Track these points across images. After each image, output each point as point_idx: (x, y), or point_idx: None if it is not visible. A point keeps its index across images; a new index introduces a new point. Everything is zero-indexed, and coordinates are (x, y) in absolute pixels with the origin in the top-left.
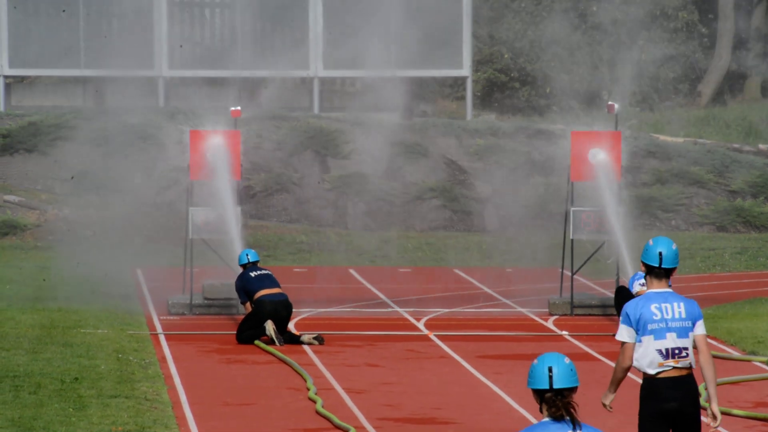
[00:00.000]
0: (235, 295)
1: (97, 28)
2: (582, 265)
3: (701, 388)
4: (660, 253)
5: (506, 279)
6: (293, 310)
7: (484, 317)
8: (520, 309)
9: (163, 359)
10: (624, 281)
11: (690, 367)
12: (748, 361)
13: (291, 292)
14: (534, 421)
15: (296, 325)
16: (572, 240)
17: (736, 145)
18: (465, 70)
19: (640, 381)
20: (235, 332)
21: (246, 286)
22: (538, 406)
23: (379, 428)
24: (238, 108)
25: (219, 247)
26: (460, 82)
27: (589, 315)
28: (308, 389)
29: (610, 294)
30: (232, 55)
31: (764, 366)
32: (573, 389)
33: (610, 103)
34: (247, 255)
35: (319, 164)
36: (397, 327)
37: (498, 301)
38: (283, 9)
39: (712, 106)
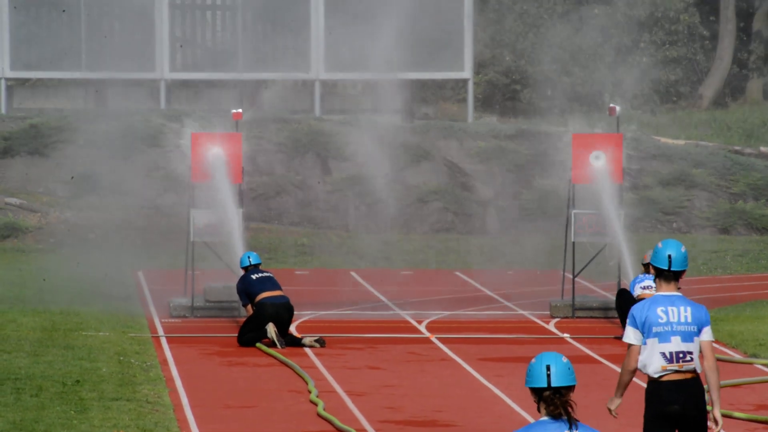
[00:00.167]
0: (236, 297)
1: (98, 31)
2: (583, 268)
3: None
4: (669, 256)
5: (507, 281)
6: (295, 312)
7: (485, 320)
8: (521, 311)
9: (165, 362)
10: (625, 284)
11: (694, 371)
12: (750, 363)
13: (292, 295)
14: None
15: (298, 328)
16: (573, 242)
17: (737, 148)
18: (466, 73)
19: (644, 384)
20: (236, 335)
21: (247, 288)
22: (536, 405)
23: (381, 431)
24: (240, 110)
25: (220, 249)
26: (461, 84)
27: (591, 317)
28: (310, 392)
29: (612, 296)
30: (233, 58)
31: (766, 369)
32: (571, 388)
33: (611, 105)
34: (248, 257)
35: (321, 166)
36: (398, 329)
37: (499, 304)
38: (285, 11)
39: (713, 108)
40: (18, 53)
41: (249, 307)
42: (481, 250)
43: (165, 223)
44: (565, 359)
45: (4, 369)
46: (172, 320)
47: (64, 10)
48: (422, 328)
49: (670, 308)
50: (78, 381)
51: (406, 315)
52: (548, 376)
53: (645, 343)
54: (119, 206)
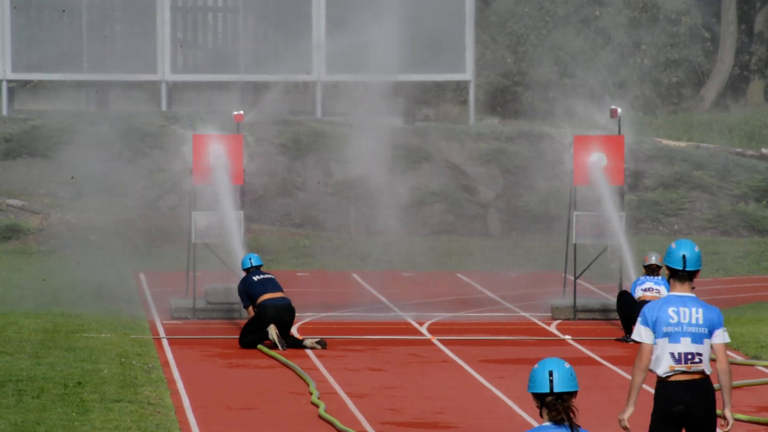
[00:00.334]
0: (237, 299)
1: (100, 33)
2: (585, 270)
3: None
4: (683, 256)
5: (509, 283)
6: (296, 314)
7: (486, 322)
8: (522, 313)
9: (166, 363)
10: (627, 285)
11: (703, 372)
12: (751, 365)
13: (294, 297)
14: (536, 425)
15: (299, 330)
16: (575, 244)
17: (738, 150)
18: (468, 75)
19: (646, 387)
20: (237, 336)
21: (249, 290)
22: (538, 411)
23: None
24: (241, 112)
25: (221, 251)
26: (462, 86)
27: (592, 319)
28: (311, 393)
29: (613, 298)
30: (234, 60)
31: (767, 370)
32: (573, 393)
33: (613, 107)
34: (250, 259)
35: (322, 168)
36: (399, 331)
37: (500, 306)
38: (286, 13)
39: (714, 110)
40: (19, 55)
41: (250, 308)
42: (483, 252)
43: (166, 224)
44: (567, 365)
45: (5, 371)
46: (174, 322)
47: (63, 11)
48: (423, 329)
49: (681, 309)
50: (79, 383)
51: (408, 317)
52: (551, 381)
53: (655, 343)
54: (121, 208)
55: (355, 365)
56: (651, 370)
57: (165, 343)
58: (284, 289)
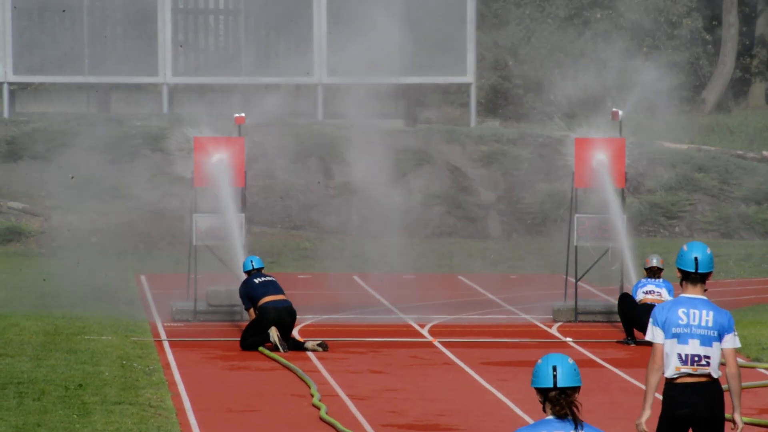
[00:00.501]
0: (239, 301)
1: (101, 35)
2: (586, 272)
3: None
4: (696, 258)
5: (510, 285)
6: (297, 316)
7: (488, 324)
8: (524, 315)
9: (167, 366)
10: (628, 288)
11: (709, 375)
12: (753, 367)
13: (295, 299)
14: None
15: (300, 332)
16: (576, 247)
17: (740, 152)
18: (469, 77)
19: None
20: (239, 339)
21: (250, 292)
22: (541, 406)
23: None
24: (242, 115)
25: (223, 253)
26: (464, 88)
27: (594, 322)
28: (312, 396)
29: (615, 301)
30: (236, 62)
31: None
32: (576, 389)
33: (614, 109)
34: (251, 261)
35: (323, 171)
36: (401, 333)
37: (502, 308)
38: (287, 16)
39: (716, 113)
40: (21, 58)
41: (251, 311)
42: (484, 254)
43: (167, 227)
44: (570, 360)
45: (6, 373)
46: (175, 324)
47: (63, 11)
48: (425, 332)
49: (691, 310)
50: (81, 385)
51: (409, 319)
52: (554, 376)
53: (665, 344)
54: (122, 210)
55: (357, 367)
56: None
57: (166, 345)
58: (285, 292)
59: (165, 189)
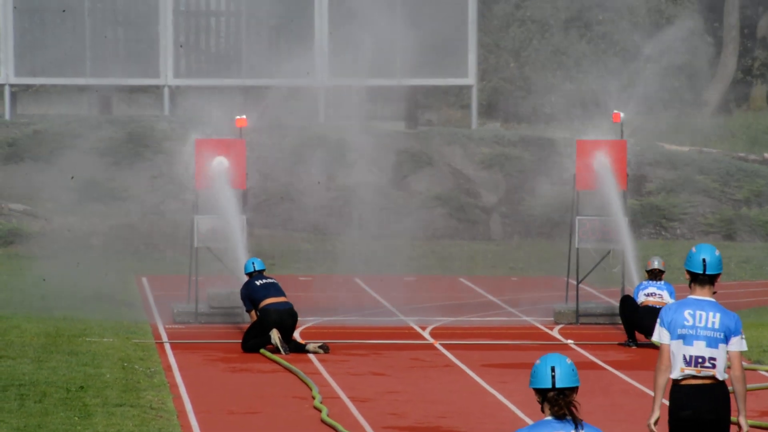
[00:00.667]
0: (240, 303)
1: (103, 37)
2: (587, 274)
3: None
4: (704, 260)
5: (511, 288)
6: (298, 318)
7: (489, 326)
8: (525, 318)
9: (169, 368)
10: (629, 290)
11: (713, 378)
12: (754, 370)
13: (296, 301)
14: None
15: (302, 334)
16: (577, 249)
17: (741, 154)
18: (470, 79)
19: (650, 391)
20: (240, 341)
21: (251, 294)
22: (540, 406)
23: None
24: (244, 117)
25: (224, 255)
26: (465, 90)
27: (595, 324)
28: (313, 398)
29: (616, 303)
30: (237, 64)
31: None
32: (574, 389)
33: (615, 111)
34: (252, 264)
35: (325, 172)
36: (402, 336)
37: (503, 310)
38: (289, 18)
39: (717, 115)
40: (22, 59)
41: (253, 313)
42: (485, 257)
43: (169, 229)
44: (569, 360)
45: (8, 375)
46: (176, 326)
47: (63, 11)
48: (426, 334)
49: (698, 312)
50: (82, 387)
51: (410, 321)
52: (553, 377)
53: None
54: (123, 212)
55: (358, 369)
56: None
57: (167, 347)
58: (287, 294)
59: (166, 191)
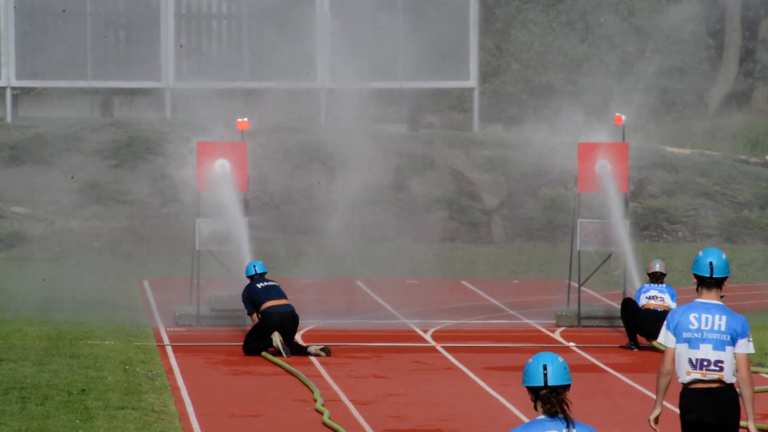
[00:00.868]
0: (241, 306)
1: (104, 40)
2: (589, 277)
3: None
4: (711, 263)
5: (513, 290)
6: (300, 321)
7: (490, 329)
8: (527, 320)
9: (170, 371)
10: (631, 292)
11: (719, 381)
12: (755, 372)
13: (297, 304)
14: None
15: (303, 337)
16: (579, 251)
17: (743, 157)
18: (472, 82)
19: (651, 394)
20: (242, 344)
21: (253, 297)
22: (533, 404)
23: None
24: (245, 119)
25: (226, 258)
26: (467, 93)
27: (597, 327)
28: (315, 401)
29: (617, 306)
30: (238, 67)
31: None
32: (566, 387)
33: (617, 114)
34: (254, 266)
35: (326, 175)
36: (403, 338)
37: (505, 313)
38: (290, 21)
39: (718, 117)
40: (24, 62)
41: (254, 315)
42: (487, 259)
43: (170, 231)
44: (561, 359)
45: (9, 378)
46: (178, 329)
47: (64, 10)
48: (428, 337)
49: (704, 315)
50: (83, 390)
51: (412, 324)
52: (545, 375)
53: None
54: (124, 215)
55: (360, 372)
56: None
57: (169, 350)
58: (288, 297)
59: (168, 194)
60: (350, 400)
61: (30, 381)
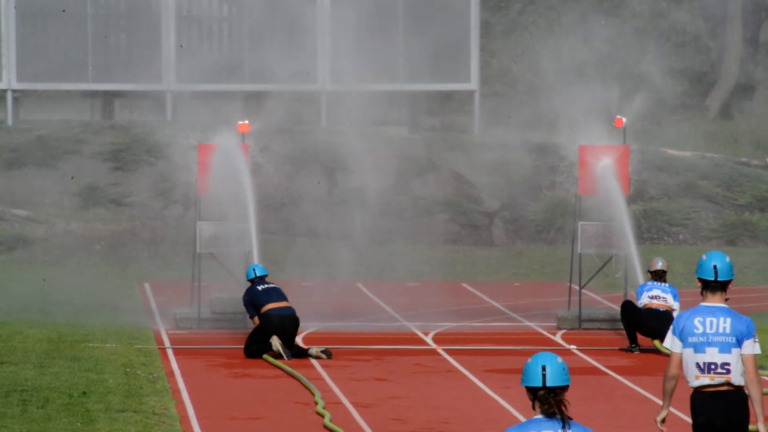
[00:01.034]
0: (242, 309)
1: (105, 42)
2: (590, 280)
3: None
4: (715, 267)
5: (514, 293)
6: (300, 324)
7: (492, 331)
8: (527, 323)
9: (171, 373)
10: (632, 295)
11: (728, 383)
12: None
13: (298, 306)
14: None
15: (304, 340)
16: (580, 254)
17: (744, 159)
18: (473, 84)
19: (653, 397)
20: (242, 346)
21: (253, 299)
22: (531, 404)
23: None
24: (246, 122)
25: (227, 260)
26: (468, 96)
27: (597, 329)
28: (316, 403)
29: (618, 308)
30: (239, 69)
31: None
32: (565, 387)
33: (618, 117)
34: (254, 270)
35: (327, 178)
36: (404, 341)
37: (506, 315)
38: (291, 23)
39: (720, 120)
40: (25, 65)
41: (255, 318)
42: (488, 262)
43: (171, 234)
44: (560, 359)
45: (10, 380)
46: (179, 332)
47: (64, 10)
48: (429, 339)
49: (708, 319)
50: (84, 392)
51: (413, 326)
52: (543, 375)
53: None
54: (125, 217)
55: (361, 375)
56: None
57: (170, 353)
58: (289, 299)
59: (169, 196)
60: (351, 403)
61: (31, 384)
